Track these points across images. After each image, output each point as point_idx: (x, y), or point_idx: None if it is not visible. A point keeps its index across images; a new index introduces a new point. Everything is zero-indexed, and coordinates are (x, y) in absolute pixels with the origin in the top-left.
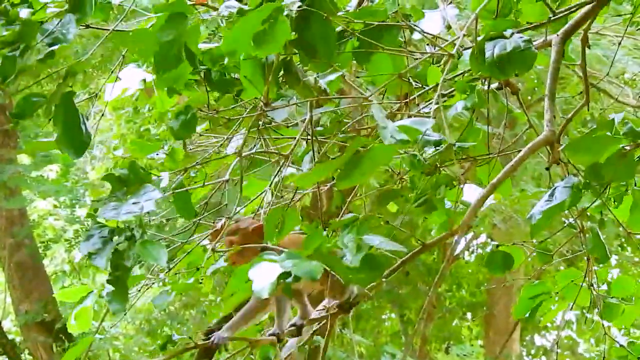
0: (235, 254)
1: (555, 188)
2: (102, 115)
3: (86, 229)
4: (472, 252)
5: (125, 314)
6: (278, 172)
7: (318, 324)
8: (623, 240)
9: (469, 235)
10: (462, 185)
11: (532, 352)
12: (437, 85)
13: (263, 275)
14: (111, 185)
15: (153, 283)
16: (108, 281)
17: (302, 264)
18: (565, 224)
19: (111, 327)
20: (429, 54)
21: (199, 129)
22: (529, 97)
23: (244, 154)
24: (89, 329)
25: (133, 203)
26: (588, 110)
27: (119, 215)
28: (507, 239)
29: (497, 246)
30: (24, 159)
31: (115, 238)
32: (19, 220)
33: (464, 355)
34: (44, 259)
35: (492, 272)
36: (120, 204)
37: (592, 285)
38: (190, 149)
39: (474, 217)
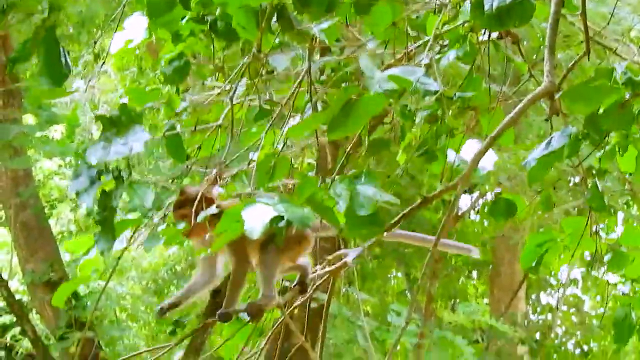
0: (187, 226)
1: (552, 137)
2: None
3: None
4: (478, 212)
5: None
6: (273, 120)
7: (320, 280)
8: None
9: (475, 195)
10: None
11: (538, 310)
12: (436, 36)
13: (255, 217)
14: (102, 126)
15: (145, 227)
16: (95, 222)
17: (295, 209)
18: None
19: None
20: (427, 2)
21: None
22: (534, 56)
23: (238, 101)
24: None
25: (122, 144)
26: (589, 59)
27: (108, 156)
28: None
29: (500, 194)
30: (28, 119)
31: (103, 178)
32: (24, 181)
33: (470, 313)
34: (49, 219)
35: (495, 219)
36: (109, 144)
37: (597, 233)
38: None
39: (474, 169)
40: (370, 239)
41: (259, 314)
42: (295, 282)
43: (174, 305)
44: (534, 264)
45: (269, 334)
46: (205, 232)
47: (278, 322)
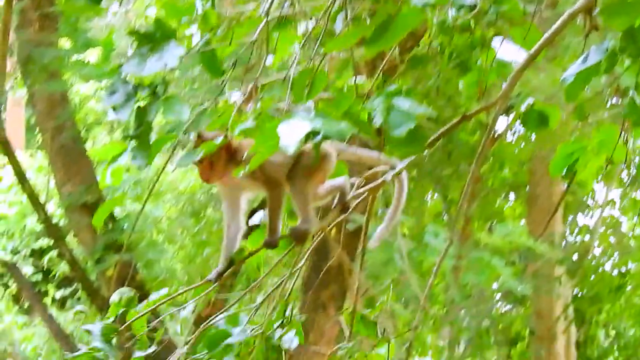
0: (207, 171)
1: (589, 52)
2: None
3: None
4: (515, 133)
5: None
6: (309, 34)
7: (359, 199)
8: None
9: (511, 116)
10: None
11: (575, 231)
12: None
13: (291, 132)
14: (136, 42)
15: (181, 144)
16: (131, 137)
17: (331, 123)
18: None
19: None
20: None
21: None
22: None
23: (272, 15)
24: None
25: (157, 60)
26: None
27: (143, 71)
28: None
29: (533, 104)
30: (64, 42)
31: (139, 93)
32: (61, 104)
33: (507, 234)
34: (86, 142)
35: (528, 129)
36: (144, 60)
37: (627, 142)
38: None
39: (513, 87)
40: (410, 156)
41: (304, 238)
42: (335, 203)
43: (223, 272)
44: (564, 172)
45: (307, 253)
46: (225, 174)
47: (314, 242)
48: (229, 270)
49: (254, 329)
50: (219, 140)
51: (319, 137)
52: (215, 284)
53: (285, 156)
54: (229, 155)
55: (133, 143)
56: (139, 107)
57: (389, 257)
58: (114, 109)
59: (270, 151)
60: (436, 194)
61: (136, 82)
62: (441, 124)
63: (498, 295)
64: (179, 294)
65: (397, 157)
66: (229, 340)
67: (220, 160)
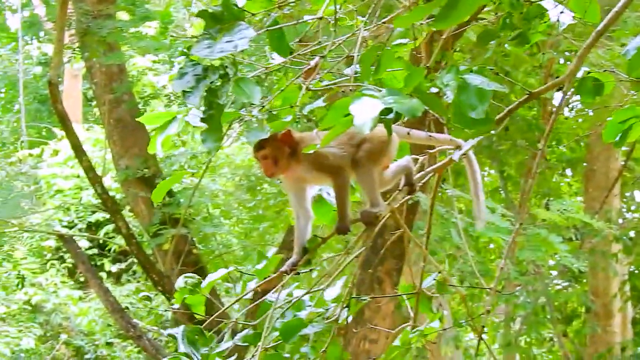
0: (271, 166)
1: None
2: None
3: (179, 67)
4: (572, 109)
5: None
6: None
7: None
8: None
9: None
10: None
11: (632, 207)
12: None
13: (365, 110)
14: (205, 23)
15: (246, 121)
16: (202, 120)
17: (403, 100)
18: None
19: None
20: None
21: None
22: None
23: None
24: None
25: (227, 41)
26: None
27: (213, 53)
28: None
29: (588, 73)
30: (122, 15)
31: (209, 76)
32: (118, 77)
33: (564, 210)
34: (143, 115)
35: (582, 98)
36: (213, 42)
37: None
38: None
39: (581, 64)
40: (479, 135)
41: (374, 222)
42: (403, 183)
43: (297, 263)
44: (617, 139)
45: (375, 229)
46: (289, 169)
47: (380, 224)
48: (304, 259)
49: (320, 313)
50: (282, 133)
51: (391, 115)
52: (289, 275)
53: (348, 143)
54: (292, 150)
55: (204, 125)
56: (209, 89)
57: (445, 232)
58: (184, 93)
59: (344, 128)
60: (492, 170)
61: (206, 65)
62: (497, 99)
63: (554, 272)
64: (251, 291)
65: (465, 137)
66: (305, 331)
67: (283, 155)
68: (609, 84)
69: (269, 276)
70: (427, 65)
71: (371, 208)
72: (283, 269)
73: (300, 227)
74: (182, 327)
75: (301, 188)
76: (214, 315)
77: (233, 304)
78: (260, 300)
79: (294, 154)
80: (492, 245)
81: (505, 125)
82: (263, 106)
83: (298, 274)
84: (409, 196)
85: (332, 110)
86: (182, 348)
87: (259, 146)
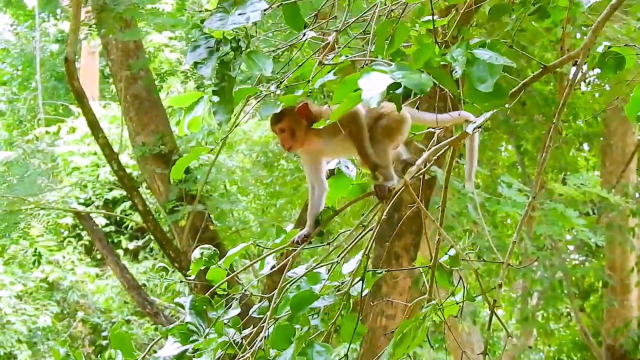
0: (289, 139)
1: None
2: None
3: (192, 40)
4: (589, 83)
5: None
6: None
7: (435, 155)
8: None
9: (584, 66)
10: None
11: None
12: None
13: (372, 85)
14: None
15: (264, 97)
16: (214, 92)
17: (412, 75)
18: None
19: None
20: None
21: None
22: None
23: None
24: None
25: (239, 14)
26: None
27: (225, 26)
28: None
29: (609, 47)
30: None
31: (221, 48)
32: (135, 53)
33: (581, 184)
34: (160, 91)
35: (603, 73)
36: (226, 15)
37: None
38: None
39: (595, 37)
40: (492, 110)
41: (388, 196)
42: (402, 158)
43: (308, 236)
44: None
45: (388, 203)
46: (307, 142)
47: (395, 193)
48: (316, 230)
49: (336, 286)
50: (299, 106)
51: (400, 90)
52: (301, 247)
53: (367, 116)
54: (310, 122)
55: (215, 98)
56: (221, 61)
57: (462, 207)
58: (196, 64)
59: (353, 103)
60: (509, 145)
61: (218, 37)
62: (514, 73)
63: (571, 247)
64: (262, 258)
65: (476, 112)
66: (316, 304)
67: (300, 128)
68: (629, 59)
69: (281, 248)
70: (444, 40)
71: (385, 182)
72: (295, 238)
73: (315, 199)
74: (190, 296)
75: (317, 160)
76: (224, 280)
77: (245, 269)
78: (273, 269)
79: (311, 127)
80: (509, 221)
81: (522, 100)
82: (281, 82)
83: (310, 243)
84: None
85: (342, 85)
86: (189, 318)
87: (276, 119)
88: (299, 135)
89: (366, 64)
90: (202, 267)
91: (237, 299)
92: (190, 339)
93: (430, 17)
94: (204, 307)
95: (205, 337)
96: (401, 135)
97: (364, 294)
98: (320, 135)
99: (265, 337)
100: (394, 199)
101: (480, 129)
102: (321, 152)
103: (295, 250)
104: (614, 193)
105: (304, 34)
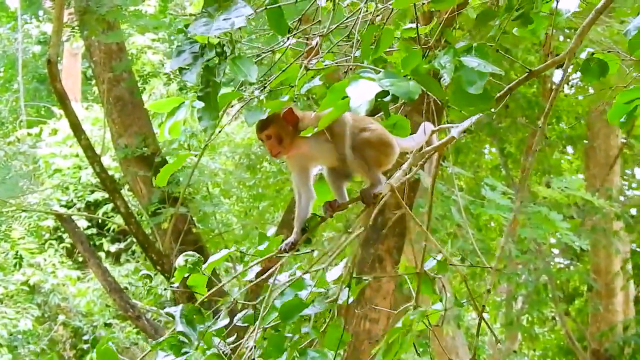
0: (276, 146)
1: None
2: None
3: (177, 45)
4: (572, 86)
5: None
6: None
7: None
8: None
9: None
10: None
11: (634, 185)
12: None
13: (360, 93)
14: (204, 1)
15: (248, 101)
16: (199, 97)
17: (400, 83)
18: None
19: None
20: None
21: None
22: None
23: None
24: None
25: (224, 19)
26: None
27: (210, 31)
28: None
29: (592, 54)
30: None
31: (206, 54)
32: (117, 55)
33: (565, 187)
34: (142, 93)
35: (586, 79)
36: (211, 20)
37: None
38: None
39: (580, 42)
40: (477, 114)
41: (374, 201)
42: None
43: (295, 244)
44: (622, 120)
45: (375, 208)
46: (294, 148)
47: (382, 198)
48: (303, 238)
49: (323, 292)
50: (284, 112)
51: (388, 98)
52: (288, 255)
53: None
54: (296, 128)
55: (200, 104)
56: (206, 67)
57: (446, 210)
58: (182, 70)
59: (341, 110)
60: (493, 148)
61: (203, 42)
62: (497, 77)
63: (556, 251)
64: (250, 267)
65: (462, 117)
66: (306, 312)
67: (287, 134)
68: (613, 65)
69: (268, 257)
70: (427, 44)
71: (371, 187)
72: (281, 247)
73: (302, 207)
74: (180, 305)
75: (305, 167)
76: (211, 292)
77: (230, 280)
78: (260, 279)
79: (298, 133)
80: (492, 224)
81: (506, 103)
82: (265, 86)
83: (297, 251)
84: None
85: (330, 92)
86: (180, 327)
87: (262, 126)
88: (286, 141)
89: (350, 69)
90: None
91: (225, 309)
92: (182, 350)
93: (412, 25)
94: (194, 316)
95: (196, 349)
96: (383, 154)
97: (347, 301)
98: (307, 139)
99: (254, 346)
100: (380, 204)
101: (465, 133)
102: (309, 157)
103: (283, 258)
104: (598, 196)
105: (288, 39)
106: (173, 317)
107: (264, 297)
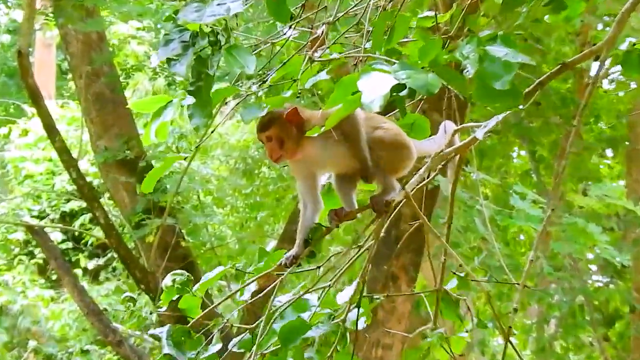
0: (277, 149)
1: None
2: None
3: (165, 34)
4: (612, 81)
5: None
6: None
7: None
8: None
9: (607, 61)
10: None
11: None
12: None
13: (374, 86)
14: None
15: (244, 97)
16: (189, 92)
17: (418, 75)
18: None
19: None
20: None
21: None
22: None
23: None
24: (176, 169)
25: (218, 4)
26: None
27: (203, 18)
28: None
29: (634, 44)
30: None
31: (198, 43)
32: (97, 45)
33: (604, 196)
34: (125, 89)
35: (626, 73)
36: (203, 5)
37: None
38: None
39: (620, 30)
40: (504, 112)
41: (386, 209)
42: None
43: (297, 258)
44: None
45: (387, 220)
46: (298, 152)
47: (396, 207)
48: (305, 252)
49: (329, 314)
50: (287, 111)
51: (404, 92)
52: (289, 270)
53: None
54: (300, 130)
55: (191, 99)
56: (198, 57)
57: (469, 222)
58: (170, 61)
59: (351, 107)
60: (522, 151)
61: (194, 30)
62: (528, 71)
63: (593, 267)
64: (246, 285)
65: (487, 114)
66: (309, 334)
67: (290, 136)
68: None
69: (266, 273)
70: (447, 33)
71: (383, 193)
72: (282, 261)
73: (306, 217)
74: (167, 326)
75: (311, 173)
76: (203, 314)
77: (224, 300)
78: (257, 297)
79: (302, 135)
80: (522, 237)
81: (537, 100)
82: (264, 81)
83: (299, 266)
84: (418, 181)
85: (338, 87)
86: (167, 350)
87: (263, 126)
88: (288, 144)
89: (361, 61)
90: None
91: (218, 332)
92: None
93: (430, 12)
94: (183, 339)
95: None
96: (397, 157)
97: (361, 326)
98: (314, 142)
99: None
100: (394, 213)
101: (490, 134)
102: (315, 162)
103: (283, 274)
104: None
105: (290, 27)
106: (159, 339)
107: (262, 319)
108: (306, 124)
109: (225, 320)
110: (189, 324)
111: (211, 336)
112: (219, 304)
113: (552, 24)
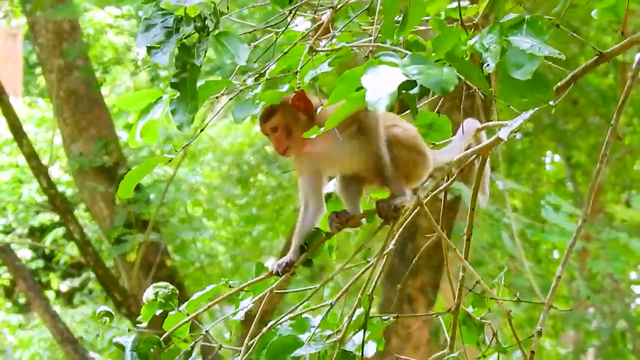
0: (284, 140)
1: None
2: None
3: (145, 18)
4: None
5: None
6: None
7: (459, 167)
8: None
9: None
10: None
11: None
12: None
13: (379, 83)
14: None
15: (238, 92)
16: (172, 85)
17: (431, 70)
18: None
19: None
20: None
21: None
22: None
23: None
24: (161, 177)
25: None
26: None
27: (188, 0)
28: None
29: None
30: None
31: (183, 29)
32: (70, 35)
33: None
34: (102, 85)
35: None
36: None
37: None
38: None
39: None
40: (532, 108)
41: (396, 216)
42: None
43: (291, 265)
44: None
45: (397, 233)
46: (307, 144)
47: (407, 220)
48: (301, 259)
49: (329, 335)
50: (292, 96)
51: (415, 90)
52: (281, 278)
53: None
54: (310, 116)
55: (173, 91)
56: (182, 45)
57: (495, 237)
58: (149, 50)
59: (355, 105)
60: (557, 155)
61: (179, 15)
62: (563, 63)
63: (637, 289)
64: (232, 293)
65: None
66: (298, 352)
67: (298, 125)
68: None
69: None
70: (472, 22)
71: (393, 198)
72: (274, 269)
73: (306, 220)
74: (132, 335)
75: (317, 171)
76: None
77: (216, 323)
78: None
79: (312, 122)
80: (556, 254)
81: (573, 98)
82: (261, 74)
83: (294, 274)
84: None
85: (341, 82)
86: None
87: (267, 115)
88: (296, 133)
89: (371, 52)
90: (158, 312)
91: (198, 345)
92: None
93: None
94: (151, 350)
95: None
96: (412, 162)
97: (371, 353)
98: (329, 135)
99: None
100: (408, 224)
101: (517, 134)
102: (325, 157)
103: (277, 284)
104: None
105: (290, 13)
106: (122, 347)
107: (255, 340)
108: (316, 111)
109: (203, 331)
110: (166, 334)
111: (191, 349)
112: (212, 327)
113: (590, 9)
